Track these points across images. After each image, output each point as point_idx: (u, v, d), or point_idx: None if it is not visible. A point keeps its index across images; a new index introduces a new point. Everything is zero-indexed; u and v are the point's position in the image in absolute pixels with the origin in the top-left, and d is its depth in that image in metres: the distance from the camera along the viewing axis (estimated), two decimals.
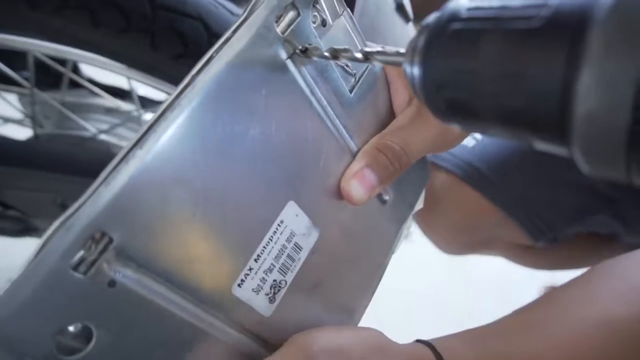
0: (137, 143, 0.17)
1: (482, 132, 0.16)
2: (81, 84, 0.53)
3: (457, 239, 0.55)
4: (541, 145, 0.14)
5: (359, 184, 0.24)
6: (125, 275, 0.18)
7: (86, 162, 0.49)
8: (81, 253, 0.16)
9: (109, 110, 0.58)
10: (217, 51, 0.19)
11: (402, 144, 0.25)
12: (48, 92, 0.56)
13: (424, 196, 0.51)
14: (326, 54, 0.21)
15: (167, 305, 0.19)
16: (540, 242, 0.52)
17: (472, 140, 0.50)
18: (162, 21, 0.37)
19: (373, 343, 0.24)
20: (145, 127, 0.17)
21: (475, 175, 0.49)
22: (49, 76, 0.57)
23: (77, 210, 0.16)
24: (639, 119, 0.10)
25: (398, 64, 0.18)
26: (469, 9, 0.14)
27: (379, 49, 0.20)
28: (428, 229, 0.58)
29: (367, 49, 0.20)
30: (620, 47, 0.11)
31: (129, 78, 0.44)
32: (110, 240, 0.17)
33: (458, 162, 0.49)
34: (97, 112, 0.57)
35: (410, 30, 0.41)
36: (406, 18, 0.41)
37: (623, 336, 0.23)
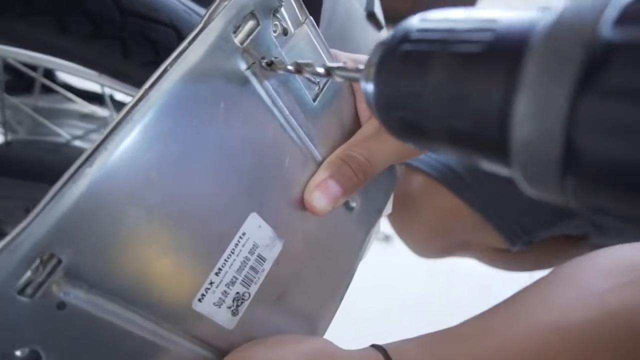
0: (87, 160, 0.17)
1: (433, 151, 0.16)
2: (54, 89, 0.52)
3: (433, 242, 0.56)
4: (487, 166, 0.14)
5: (322, 195, 0.24)
6: (76, 296, 0.17)
7: (59, 169, 0.49)
8: (28, 275, 0.16)
9: (85, 116, 0.57)
10: (171, 64, 0.18)
11: (366, 155, 0.25)
12: (21, 97, 0.55)
13: (400, 198, 0.51)
14: (290, 67, 0.21)
15: (123, 324, 0.19)
16: (516, 246, 0.52)
17: None
18: (132, 28, 0.36)
19: (317, 354, 0.24)
20: (95, 144, 0.17)
21: (453, 177, 0.49)
22: (22, 81, 0.56)
23: (21, 231, 0.16)
24: (570, 148, 0.11)
25: (356, 80, 0.18)
26: (419, 30, 0.14)
27: (340, 64, 0.20)
28: (403, 232, 0.58)
29: (329, 64, 0.20)
30: (551, 76, 0.11)
31: (102, 85, 0.43)
32: (59, 261, 0.16)
33: (435, 164, 0.49)
34: (72, 118, 0.56)
35: (382, 39, 0.41)
36: (378, 26, 0.41)
37: (577, 342, 0.23)
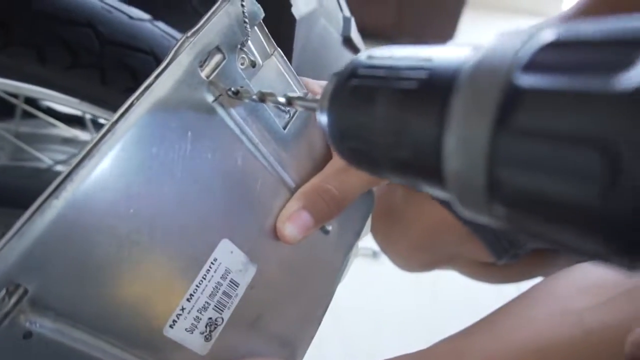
0: (54, 192, 0.17)
1: (383, 178, 0.16)
2: (35, 114, 0.52)
3: (418, 256, 0.55)
4: (429, 191, 0.15)
5: (293, 225, 0.25)
6: (43, 325, 0.17)
7: (39, 195, 0.49)
8: None
9: (66, 140, 0.57)
10: (138, 98, 0.19)
11: (340, 187, 0.26)
12: (2, 123, 0.56)
13: (386, 211, 0.51)
14: (254, 97, 0.22)
15: (91, 352, 0.19)
16: (502, 260, 0.52)
17: None
18: (111, 56, 0.37)
19: None
20: (62, 176, 0.17)
21: None
22: (3, 107, 0.56)
23: None
24: (493, 179, 0.12)
25: (314, 110, 0.19)
26: (365, 67, 0.15)
27: (300, 94, 0.21)
28: (388, 247, 0.58)
29: (289, 94, 0.21)
30: (473, 116, 0.12)
31: (83, 112, 0.44)
32: (25, 291, 0.17)
33: None
34: (54, 143, 0.56)
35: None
36: (355, 50, 0.42)
37: None
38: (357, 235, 0.32)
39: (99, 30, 0.36)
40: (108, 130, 0.18)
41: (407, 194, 0.50)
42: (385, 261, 1.00)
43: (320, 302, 0.30)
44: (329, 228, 0.30)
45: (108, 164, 0.18)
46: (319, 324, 0.30)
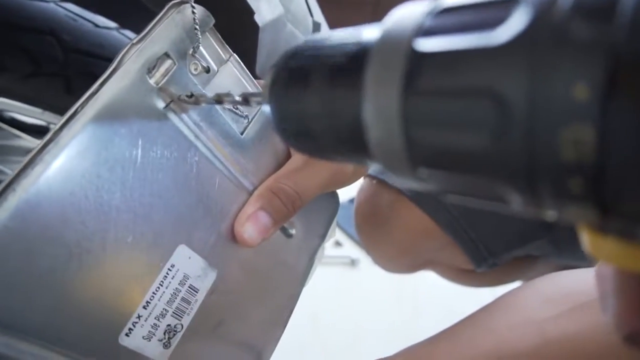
0: None
1: (330, 161, 0.17)
2: None
3: (401, 259, 0.56)
4: (369, 164, 0.16)
5: (252, 226, 0.25)
6: None
7: None
8: None
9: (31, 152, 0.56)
10: (82, 105, 0.19)
11: (295, 187, 0.26)
12: None
13: (371, 214, 0.52)
14: (209, 99, 0.22)
15: None
16: (481, 268, 0.52)
17: None
18: (76, 65, 0.37)
19: None
20: (2, 185, 0.17)
21: (424, 196, 0.49)
22: None
23: None
24: (410, 143, 0.12)
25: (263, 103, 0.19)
26: (299, 52, 0.16)
27: (254, 91, 0.21)
28: (372, 248, 0.58)
29: (246, 92, 0.21)
30: (383, 84, 0.12)
31: (48, 123, 0.44)
32: None
33: None
34: (18, 154, 0.55)
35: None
36: None
37: None
38: (322, 238, 0.32)
39: (63, 38, 0.36)
40: (51, 140, 0.18)
41: (392, 200, 0.51)
42: (363, 268, 1.00)
43: (285, 306, 0.30)
44: (292, 232, 0.30)
45: (52, 173, 0.18)
46: (284, 327, 0.30)
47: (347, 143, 0.15)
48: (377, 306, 0.95)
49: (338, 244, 1.06)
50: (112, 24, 0.39)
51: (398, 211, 0.50)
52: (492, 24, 0.11)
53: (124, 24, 0.40)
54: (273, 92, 0.17)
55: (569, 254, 0.50)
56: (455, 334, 0.28)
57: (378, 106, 0.13)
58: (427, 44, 0.12)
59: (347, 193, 1.06)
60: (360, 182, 0.56)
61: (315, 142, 0.16)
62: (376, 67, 0.13)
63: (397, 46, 0.12)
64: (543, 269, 0.58)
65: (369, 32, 0.14)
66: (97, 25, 0.38)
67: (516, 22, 0.10)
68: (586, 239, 0.12)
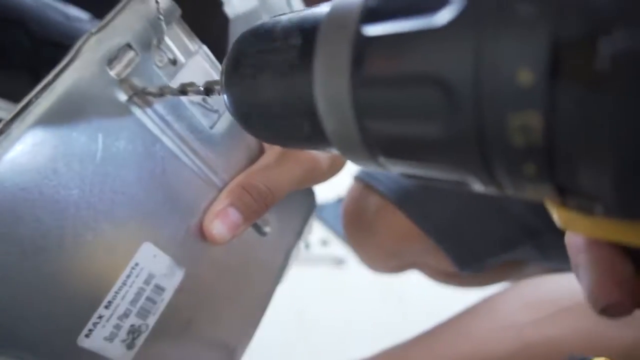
0: None
1: (293, 148, 0.17)
2: None
3: (385, 261, 0.56)
4: (329, 151, 0.15)
5: (221, 223, 0.24)
6: None
7: None
8: None
9: None
10: (36, 96, 0.18)
11: (267, 183, 0.25)
12: None
13: (357, 217, 0.51)
14: (173, 90, 0.21)
15: None
16: (465, 272, 0.52)
17: None
18: (45, 57, 0.36)
19: None
20: None
21: (408, 200, 0.49)
22: None
23: None
24: (364, 131, 0.12)
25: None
26: (250, 42, 0.16)
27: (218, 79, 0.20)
28: (358, 249, 0.58)
29: (209, 80, 0.20)
30: (331, 73, 0.12)
31: None
32: None
33: (393, 186, 0.49)
34: None
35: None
36: None
37: None
38: (298, 235, 0.32)
39: (31, 29, 0.35)
40: (1, 132, 0.17)
41: (378, 204, 0.51)
42: (349, 268, 1.00)
43: (259, 304, 0.30)
44: (267, 230, 0.29)
45: (3, 168, 0.17)
46: (258, 325, 0.30)
47: (304, 130, 0.15)
48: (364, 305, 0.95)
49: (325, 243, 1.06)
50: (84, 16, 0.38)
51: (383, 215, 0.50)
52: (433, 7, 0.10)
53: (97, 15, 0.39)
54: (227, 82, 0.16)
55: (555, 258, 0.50)
56: (434, 336, 0.28)
57: (329, 96, 0.12)
58: (372, 27, 0.11)
59: (335, 192, 1.06)
60: (349, 182, 0.55)
61: (274, 131, 0.16)
62: (323, 53, 0.12)
63: (343, 30, 0.12)
64: (531, 271, 0.58)
65: (318, 13, 0.13)
66: (68, 16, 0.36)
67: (458, 1, 0.10)
68: (553, 212, 0.12)
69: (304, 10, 0.15)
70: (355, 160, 0.14)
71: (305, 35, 0.13)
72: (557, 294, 0.27)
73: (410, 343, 0.28)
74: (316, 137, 0.14)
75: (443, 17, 0.10)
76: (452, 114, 0.10)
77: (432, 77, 0.10)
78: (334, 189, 1.02)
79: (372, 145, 0.12)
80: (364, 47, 0.11)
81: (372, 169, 0.14)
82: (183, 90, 0.21)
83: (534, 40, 0.08)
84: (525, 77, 0.09)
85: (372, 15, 0.12)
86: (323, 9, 0.14)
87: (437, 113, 0.10)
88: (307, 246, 1.04)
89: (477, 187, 0.12)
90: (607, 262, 0.13)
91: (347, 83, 0.12)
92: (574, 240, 0.14)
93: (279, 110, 0.15)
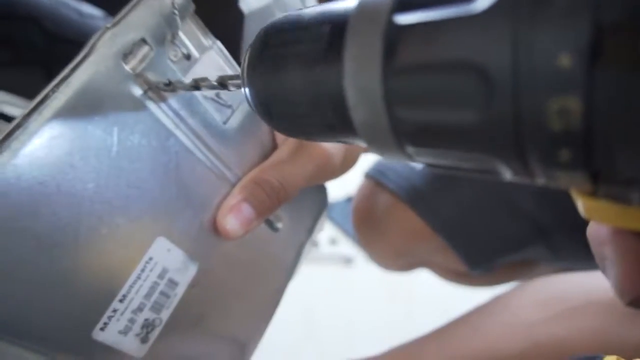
0: None
1: (316, 140, 0.17)
2: None
3: (395, 260, 0.56)
4: (355, 143, 0.15)
5: (234, 218, 0.24)
6: None
7: None
8: None
9: None
10: (53, 90, 0.18)
11: (280, 179, 0.25)
12: None
13: (367, 215, 0.51)
14: (187, 85, 0.21)
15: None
16: (476, 272, 0.52)
17: None
18: (59, 54, 0.36)
19: None
20: None
21: (419, 198, 0.49)
22: None
23: None
24: (395, 121, 0.12)
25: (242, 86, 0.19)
26: (275, 33, 0.16)
27: (232, 74, 0.20)
28: (367, 246, 0.58)
29: (222, 75, 0.20)
30: (363, 62, 0.12)
31: None
32: None
33: (403, 184, 0.49)
34: None
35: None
36: None
37: None
38: (310, 232, 0.32)
39: (46, 26, 0.35)
40: (19, 125, 0.17)
41: (388, 202, 0.50)
42: (358, 267, 1.00)
43: (270, 300, 0.30)
44: (279, 225, 0.29)
45: (20, 161, 0.17)
46: (269, 321, 0.30)
47: (330, 123, 0.15)
48: (372, 304, 0.95)
49: (333, 242, 1.06)
50: (98, 13, 0.38)
51: (393, 213, 0.50)
52: None
53: (110, 12, 0.39)
54: (250, 74, 0.16)
55: (566, 258, 0.50)
56: (445, 334, 0.28)
57: (360, 87, 0.12)
58: (405, 16, 0.11)
59: (344, 191, 1.06)
60: (359, 180, 0.55)
61: (298, 123, 0.16)
62: (354, 45, 0.12)
63: (375, 20, 0.12)
64: (541, 271, 0.57)
65: (346, 4, 0.13)
66: (81, 14, 0.37)
67: None
68: (579, 202, 0.12)
69: (330, 2, 0.15)
70: (380, 150, 0.14)
71: (335, 25, 0.13)
72: (568, 293, 0.27)
73: (421, 340, 0.28)
74: (342, 127, 0.14)
75: (480, 4, 0.10)
76: (488, 100, 0.10)
77: (468, 63, 0.10)
78: (343, 187, 1.02)
79: (401, 134, 0.12)
80: (396, 36, 0.11)
81: (397, 159, 0.14)
82: (196, 85, 0.21)
83: (574, 24, 0.08)
84: (566, 60, 0.09)
85: (404, 4, 0.12)
86: (351, 0, 0.14)
87: (473, 100, 0.10)
88: (315, 245, 1.04)
89: (507, 175, 0.12)
90: (635, 253, 0.13)
91: (378, 72, 0.12)
92: (597, 233, 0.14)
93: (304, 101, 0.15)
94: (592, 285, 0.27)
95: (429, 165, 0.14)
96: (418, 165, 0.14)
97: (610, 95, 0.08)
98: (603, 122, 0.09)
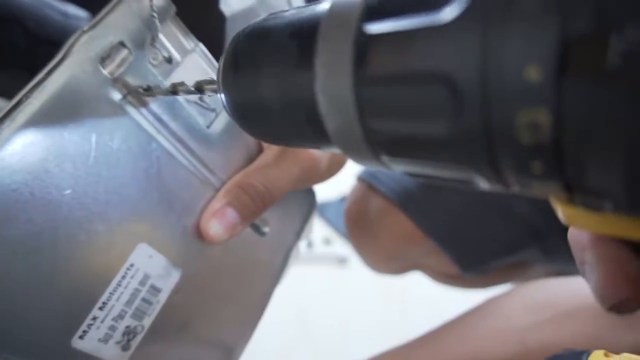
0: None
1: (290, 147, 0.16)
2: None
3: (387, 263, 0.55)
4: (331, 150, 0.15)
5: (218, 223, 0.24)
6: None
7: None
8: None
9: None
10: (26, 95, 0.18)
11: (265, 182, 0.25)
12: None
13: (359, 218, 0.51)
14: (166, 90, 0.21)
15: None
16: (468, 274, 0.52)
17: None
18: (43, 55, 0.36)
19: None
20: None
21: (411, 202, 0.48)
22: None
23: None
24: (368, 130, 0.12)
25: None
26: (247, 39, 0.15)
27: (208, 79, 0.20)
28: (360, 249, 0.58)
29: (199, 80, 0.20)
30: (333, 71, 0.12)
31: None
32: None
33: (395, 188, 0.49)
34: None
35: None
36: None
37: None
38: (298, 236, 0.32)
39: (29, 27, 0.34)
40: None
41: (380, 205, 0.50)
42: (352, 267, 1.00)
43: (257, 304, 0.29)
44: (265, 230, 0.29)
45: None
46: (256, 325, 0.29)
47: (305, 129, 0.14)
48: (366, 304, 0.95)
49: (327, 242, 1.06)
50: (83, 14, 0.38)
51: (385, 217, 0.50)
52: (436, 3, 0.10)
53: (95, 13, 0.39)
54: (225, 79, 0.16)
55: (560, 260, 0.50)
56: (435, 338, 0.28)
57: (331, 94, 0.12)
58: (375, 25, 0.11)
59: (338, 191, 1.06)
60: (352, 181, 0.55)
61: (273, 128, 0.16)
62: (325, 51, 0.12)
63: (345, 27, 0.12)
64: (535, 273, 0.57)
65: (318, 10, 0.13)
66: (66, 14, 0.36)
67: None
68: (558, 209, 0.12)
69: (303, 7, 0.15)
70: (357, 159, 0.13)
71: (306, 33, 0.13)
72: (559, 297, 0.27)
73: (411, 344, 0.28)
74: (317, 136, 0.14)
75: (448, 13, 0.10)
76: (458, 112, 0.10)
77: (437, 74, 0.10)
78: (337, 188, 1.02)
79: (375, 144, 0.12)
80: (366, 45, 0.11)
81: (375, 167, 0.14)
82: (174, 90, 0.21)
83: (542, 36, 0.08)
84: (534, 73, 0.08)
85: (373, 12, 0.11)
86: (323, 5, 0.13)
87: (443, 111, 0.10)
88: (309, 245, 1.04)
89: (483, 185, 0.12)
90: (614, 258, 0.13)
91: (349, 81, 0.11)
92: (578, 238, 0.14)
93: (278, 109, 0.14)
94: (583, 291, 0.27)
95: (407, 174, 0.13)
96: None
97: (578, 108, 0.08)
98: (572, 135, 0.09)
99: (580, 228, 0.12)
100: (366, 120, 0.12)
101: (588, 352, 0.19)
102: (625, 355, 0.18)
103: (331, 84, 0.12)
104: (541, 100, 0.08)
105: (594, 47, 0.08)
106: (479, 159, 0.10)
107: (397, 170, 0.13)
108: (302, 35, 0.13)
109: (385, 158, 0.13)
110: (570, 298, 0.26)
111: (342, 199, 1.03)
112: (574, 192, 0.10)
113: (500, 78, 0.09)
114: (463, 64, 0.09)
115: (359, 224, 0.52)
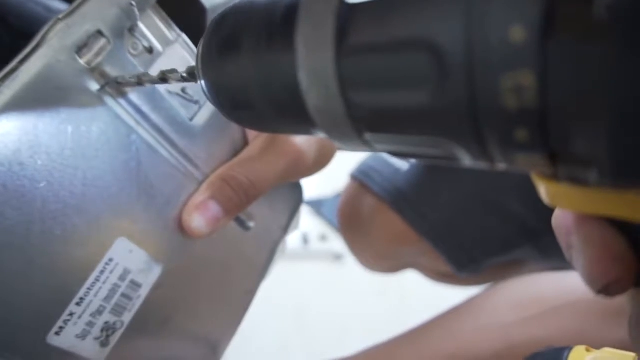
0: None
1: (277, 132, 0.16)
2: None
3: (381, 263, 0.55)
4: (314, 134, 0.15)
5: (201, 216, 0.23)
6: None
7: None
8: None
9: None
10: None
11: (250, 176, 0.24)
12: None
13: (352, 217, 0.51)
14: (151, 78, 0.20)
15: None
16: (463, 274, 0.51)
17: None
18: None
19: None
20: None
21: (404, 201, 0.48)
22: None
23: None
24: (351, 106, 0.12)
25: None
26: (226, 19, 0.15)
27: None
28: (353, 248, 0.57)
29: (191, 66, 0.19)
30: (314, 43, 0.11)
31: None
32: None
33: (388, 187, 0.48)
34: None
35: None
36: None
37: None
38: (284, 231, 0.31)
39: (10, 22, 0.34)
40: None
41: (373, 205, 0.50)
42: (348, 263, 0.99)
43: (242, 300, 0.29)
44: (251, 224, 0.28)
45: None
46: (241, 321, 0.29)
47: (287, 112, 0.14)
48: (362, 300, 0.95)
49: (324, 238, 1.05)
50: (66, 8, 0.37)
51: (378, 216, 0.49)
52: None
53: None
54: (204, 63, 0.16)
55: (555, 258, 0.49)
56: (419, 335, 0.28)
57: (312, 68, 0.12)
58: None
59: (334, 187, 1.05)
60: (346, 179, 0.55)
61: (254, 112, 0.15)
62: (306, 26, 0.12)
63: (325, 3, 0.11)
64: (530, 270, 0.57)
65: None
66: (49, 9, 0.35)
67: None
68: (541, 187, 0.12)
69: None
70: (340, 140, 0.13)
71: (286, 9, 0.13)
72: (544, 293, 0.26)
73: (396, 341, 0.28)
74: (300, 117, 0.14)
75: None
76: (442, 79, 0.10)
77: (420, 41, 0.10)
78: (333, 184, 1.02)
79: (357, 120, 0.12)
80: (348, 15, 0.11)
81: (358, 148, 0.13)
82: (164, 77, 0.20)
83: None
84: (517, 34, 0.08)
85: None
86: None
87: (427, 79, 0.10)
88: (305, 241, 1.03)
89: (467, 161, 0.11)
90: (600, 238, 0.12)
91: (331, 54, 0.11)
92: (563, 222, 0.14)
93: (259, 90, 0.14)
94: (569, 286, 0.27)
95: (389, 152, 0.13)
96: (403, 167, 0.13)
97: (562, 68, 0.08)
98: (557, 98, 0.08)
99: (564, 207, 0.12)
100: (348, 94, 0.11)
101: (570, 349, 0.19)
102: (607, 349, 0.18)
103: (312, 58, 0.12)
104: (525, 62, 0.08)
105: (578, 5, 0.08)
106: (463, 130, 0.10)
107: (381, 150, 0.13)
108: (282, 12, 0.13)
109: (368, 136, 0.12)
110: (555, 294, 0.25)
111: (338, 196, 1.03)
112: (559, 163, 0.10)
113: (485, 41, 0.09)
114: (446, 28, 0.09)
115: (351, 223, 0.52)
